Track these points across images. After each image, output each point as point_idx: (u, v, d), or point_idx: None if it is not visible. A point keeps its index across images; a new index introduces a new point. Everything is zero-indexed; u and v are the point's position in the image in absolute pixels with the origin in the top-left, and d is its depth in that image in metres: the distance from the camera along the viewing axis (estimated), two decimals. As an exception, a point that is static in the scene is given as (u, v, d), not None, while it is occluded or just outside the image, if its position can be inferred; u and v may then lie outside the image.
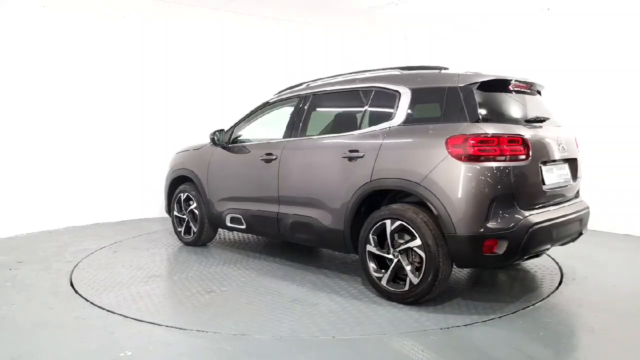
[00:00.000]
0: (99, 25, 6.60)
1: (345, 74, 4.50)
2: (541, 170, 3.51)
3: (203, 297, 3.81)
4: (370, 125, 3.89)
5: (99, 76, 6.66)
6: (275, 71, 7.90)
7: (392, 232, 3.55)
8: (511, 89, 3.69)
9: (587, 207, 4.05)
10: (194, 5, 7.20)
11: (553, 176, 3.67)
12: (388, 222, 3.57)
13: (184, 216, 5.44)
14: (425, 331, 3.14)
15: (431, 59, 8.30)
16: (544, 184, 3.53)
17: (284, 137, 4.51)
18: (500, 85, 3.62)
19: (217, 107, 7.39)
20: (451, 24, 7.90)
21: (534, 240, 3.31)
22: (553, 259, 4.82)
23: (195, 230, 5.35)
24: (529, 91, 3.88)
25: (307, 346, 2.97)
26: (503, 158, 3.27)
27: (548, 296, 3.78)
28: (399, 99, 3.75)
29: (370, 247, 3.71)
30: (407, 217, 3.44)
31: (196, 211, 5.27)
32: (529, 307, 3.55)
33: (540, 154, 3.52)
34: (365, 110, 4.01)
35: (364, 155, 3.75)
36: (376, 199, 3.81)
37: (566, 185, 3.83)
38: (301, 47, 8.27)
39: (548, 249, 3.69)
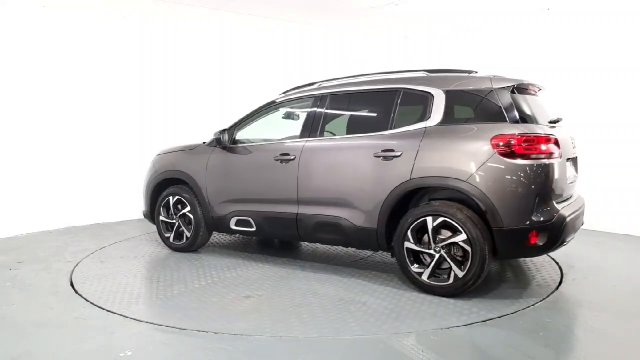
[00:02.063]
0: (99, 25, 6.60)
1: (364, 74, 4.54)
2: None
3: (245, 302, 3.69)
4: (402, 125, 3.97)
5: (99, 76, 6.66)
6: (275, 71, 7.91)
7: (434, 229, 3.67)
8: (529, 91, 3.93)
9: (584, 201, 4.37)
10: (194, 5, 7.21)
11: (568, 172, 3.96)
12: (429, 218, 3.69)
13: (173, 221, 5.14)
14: (425, 331, 3.14)
15: (431, 59, 8.33)
16: (567, 180, 3.85)
17: (300, 137, 4.47)
18: (523, 88, 3.87)
19: (217, 107, 7.39)
20: (451, 24, 7.90)
21: (566, 232, 3.63)
22: (553, 258, 4.82)
23: (188, 235, 5.06)
24: (536, 93, 4.08)
25: (307, 346, 2.97)
26: (543, 156, 3.53)
27: (548, 296, 3.78)
28: (433, 101, 3.88)
29: (409, 244, 3.80)
30: (451, 213, 3.59)
31: (190, 215, 5.01)
32: (529, 307, 3.55)
33: (565, 152, 3.82)
34: (394, 111, 4.05)
35: (401, 154, 3.82)
36: (404, 198, 3.90)
37: (573, 181, 4.12)
38: (301, 47, 8.27)
39: (571, 240, 3.88)
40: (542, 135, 3.56)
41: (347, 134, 4.37)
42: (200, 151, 5.03)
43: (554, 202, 3.60)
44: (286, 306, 3.63)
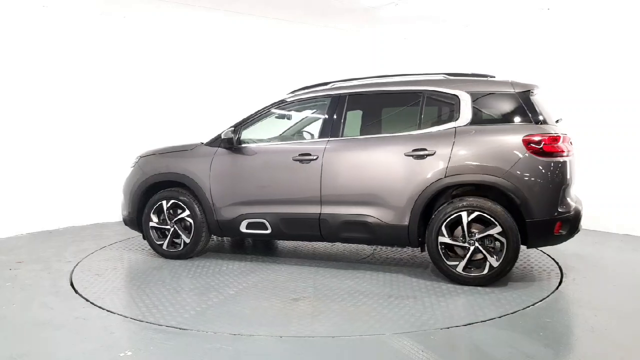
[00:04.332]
0: (99, 25, 6.60)
1: (383, 76, 4.65)
2: None
3: (300, 306, 3.63)
4: (429, 125, 4.16)
5: (99, 76, 6.66)
6: (275, 71, 7.90)
7: (469, 223, 3.90)
8: (535, 93, 4.13)
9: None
10: (194, 6, 7.20)
11: None
12: (464, 213, 3.90)
13: (167, 227, 4.82)
14: (426, 331, 3.14)
15: (431, 59, 8.33)
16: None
17: (320, 137, 4.47)
18: (533, 90, 4.10)
19: (217, 108, 7.37)
20: (451, 24, 7.90)
21: (580, 222, 4.04)
22: (553, 258, 4.82)
23: (187, 241, 4.78)
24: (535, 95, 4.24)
25: (306, 346, 2.97)
26: (565, 154, 3.89)
27: (548, 296, 3.79)
28: (460, 102, 4.09)
29: (444, 239, 3.99)
30: (487, 207, 3.87)
31: (189, 220, 4.74)
32: (529, 307, 3.55)
33: None
34: (421, 112, 4.21)
35: (434, 153, 4.00)
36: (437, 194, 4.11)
37: None
38: (301, 47, 8.27)
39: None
40: (564, 135, 3.92)
41: (371, 133, 4.42)
42: (202, 152, 4.81)
43: (569, 196, 3.97)
44: (346, 306, 3.60)
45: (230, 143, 4.65)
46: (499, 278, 3.93)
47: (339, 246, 5.41)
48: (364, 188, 4.20)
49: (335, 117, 4.45)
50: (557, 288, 3.98)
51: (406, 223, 4.08)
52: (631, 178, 5.92)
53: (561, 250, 4.99)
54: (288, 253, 5.22)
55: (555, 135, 3.87)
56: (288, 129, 5.23)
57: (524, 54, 6.94)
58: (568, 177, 3.90)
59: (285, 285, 4.09)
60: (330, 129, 4.42)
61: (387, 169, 4.14)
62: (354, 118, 4.52)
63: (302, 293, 3.90)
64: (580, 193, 4.45)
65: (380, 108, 4.60)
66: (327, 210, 4.32)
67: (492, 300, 3.68)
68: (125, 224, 5.19)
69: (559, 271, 4.43)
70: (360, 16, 7.81)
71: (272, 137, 5.00)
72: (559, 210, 3.85)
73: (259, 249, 5.45)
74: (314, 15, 7.82)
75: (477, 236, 3.90)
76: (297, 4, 7.25)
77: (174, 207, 4.83)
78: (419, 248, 4.24)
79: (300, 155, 4.40)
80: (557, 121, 4.13)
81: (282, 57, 8.08)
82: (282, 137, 5.11)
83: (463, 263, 3.95)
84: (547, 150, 3.81)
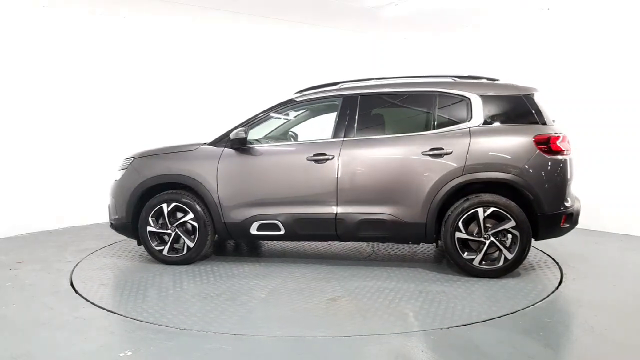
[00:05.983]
0: (99, 25, 6.60)
1: (392, 77, 4.73)
2: None
3: (341, 305, 3.61)
4: (443, 126, 4.31)
5: (99, 76, 6.66)
6: (275, 71, 7.91)
7: (485, 218, 4.11)
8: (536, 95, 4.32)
9: None
10: (194, 6, 7.20)
11: None
12: (480, 210, 4.10)
13: (168, 231, 4.61)
14: (425, 331, 3.14)
15: (431, 59, 8.33)
16: None
17: (333, 136, 4.45)
18: (536, 93, 4.32)
19: (217, 108, 7.38)
20: (451, 24, 7.90)
21: (579, 216, 4.29)
22: (553, 258, 4.82)
23: (191, 245, 4.60)
24: None
25: (306, 346, 2.97)
26: (567, 152, 4.15)
27: (548, 296, 3.78)
28: (471, 104, 4.29)
29: (460, 234, 4.17)
30: (502, 203, 4.08)
31: (193, 223, 4.58)
32: (529, 307, 3.55)
33: None
34: (434, 112, 4.38)
35: (451, 152, 4.16)
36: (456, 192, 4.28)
37: None
38: (302, 47, 8.27)
39: None
40: (564, 134, 4.16)
41: (384, 134, 4.49)
42: (206, 152, 4.64)
43: (571, 192, 4.22)
44: (386, 304, 3.63)
45: (242, 143, 4.52)
46: (513, 269, 4.16)
47: (337, 245, 5.41)
48: (381, 187, 4.28)
49: (348, 117, 4.47)
50: (557, 288, 3.98)
51: (424, 220, 4.21)
52: (631, 178, 5.92)
53: (561, 250, 4.99)
54: (288, 254, 5.21)
55: (561, 135, 4.11)
56: (297, 129, 5.25)
57: (524, 54, 6.94)
58: (570, 173, 4.15)
59: (313, 286, 4.06)
60: (344, 129, 4.45)
61: (405, 168, 4.24)
62: (367, 118, 4.55)
63: (334, 293, 3.88)
64: (581, 193, 4.49)
65: (392, 108, 4.67)
66: (344, 209, 4.35)
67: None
68: (116, 230, 4.90)
69: (559, 271, 4.43)
70: (360, 16, 7.82)
71: (282, 137, 5.01)
72: (565, 204, 4.11)
73: (249, 250, 5.44)
74: (314, 15, 7.83)
75: (493, 230, 4.09)
76: (297, 4, 7.26)
77: (174, 210, 4.64)
78: (434, 244, 4.46)
79: (315, 155, 4.40)
80: (553, 121, 4.26)
81: (282, 57, 8.08)
82: (293, 137, 5.14)
83: (480, 256, 4.13)
84: (554, 149, 4.05)
